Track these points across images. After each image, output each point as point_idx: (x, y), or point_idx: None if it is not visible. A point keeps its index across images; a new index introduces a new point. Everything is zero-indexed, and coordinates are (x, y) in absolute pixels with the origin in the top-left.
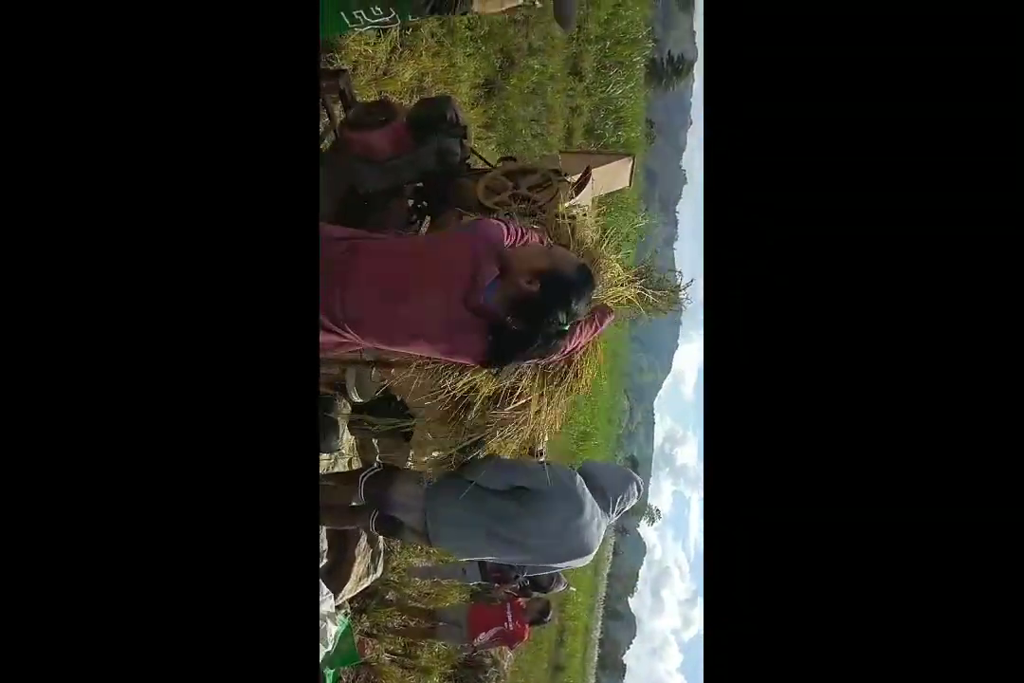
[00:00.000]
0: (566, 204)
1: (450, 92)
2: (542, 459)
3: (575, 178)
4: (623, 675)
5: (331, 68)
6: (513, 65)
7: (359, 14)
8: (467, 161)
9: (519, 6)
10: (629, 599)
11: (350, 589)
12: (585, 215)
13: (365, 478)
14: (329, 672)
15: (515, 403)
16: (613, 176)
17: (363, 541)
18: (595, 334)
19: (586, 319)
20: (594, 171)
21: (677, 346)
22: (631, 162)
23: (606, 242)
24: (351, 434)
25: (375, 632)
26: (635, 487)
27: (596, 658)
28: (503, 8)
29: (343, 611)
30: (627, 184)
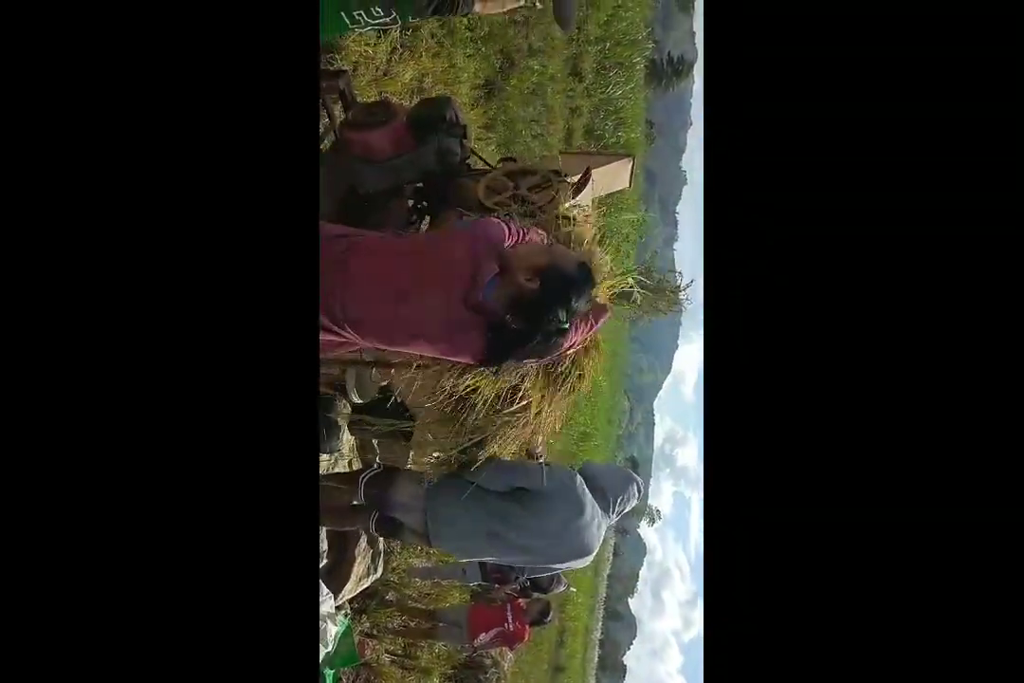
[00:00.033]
0: (566, 204)
1: (450, 93)
2: (542, 460)
3: (575, 179)
4: (623, 676)
5: (331, 68)
6: (513, 66)
7: (359, 15)
8: (467, 161)
9: (520, 7)
10: (629, 600)
11: (350, 590)
12: (586, 216)
13: (365, 479)
14: (329, 672)
15: (517, 404)
16: (613, 177)
17: (363, 542)
18: (590, 332)
19: (581, 317)
20: (594, 172)
21: (677, 346)
22: (631, 163)
23: (606, 243)
24: (351, 434)
25: (375, 633)
26: (635, 488)
27: (596, 659)
28: (504, 9)
29: (343, 612)
30: (627, 185)
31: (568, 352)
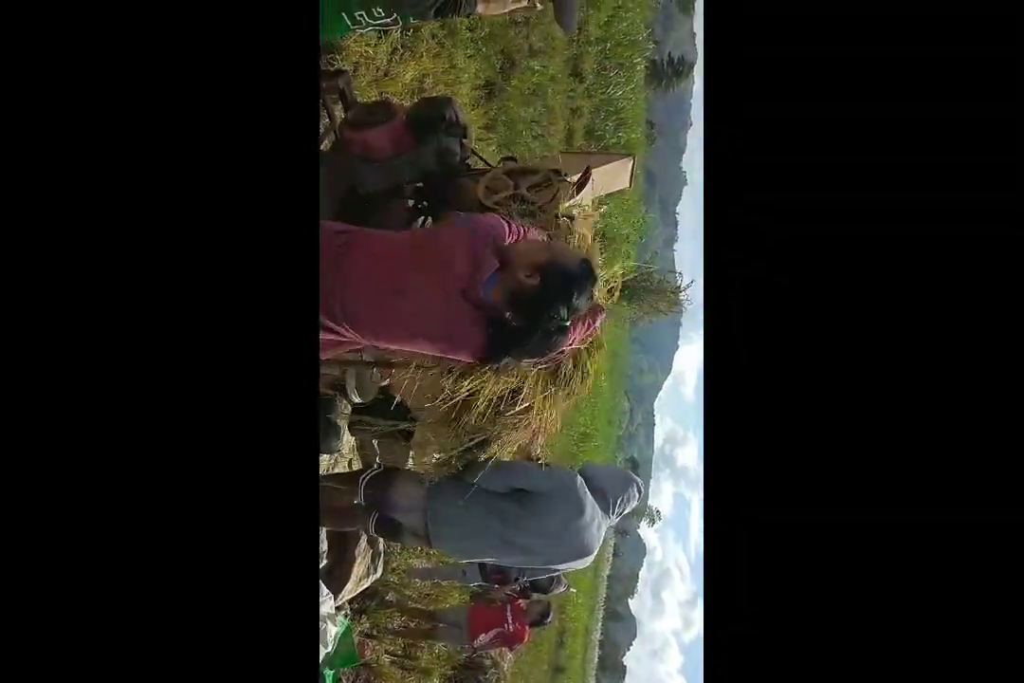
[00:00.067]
0: (567, 204)
1: (451, 93)
2: (542, 461)
3: (575, 178)
4: (623, 677)
5: (332, 69)
6: (514, 66)
7: (361, 15)
8: (467, 161)
9: (521, 8)
10: (629, 601)
11: (350, 590)
12: (586, 216)
13: (365, 479)
14: (329, 673)
15: (518, 406)
16: (613, 176)
17: (363, 542)
18: (588, 332)
19: (580, 318)
20: (594, 171)
21: (678, 347)
22: (631, 162)
23: (607, 244)
24: (351, 435)
25: (375, 633)
26: (635, 489)
27: (596, 660)
28: (507, 10)
29: (343, 612)
30: (627, 184)
31: (565, 352)
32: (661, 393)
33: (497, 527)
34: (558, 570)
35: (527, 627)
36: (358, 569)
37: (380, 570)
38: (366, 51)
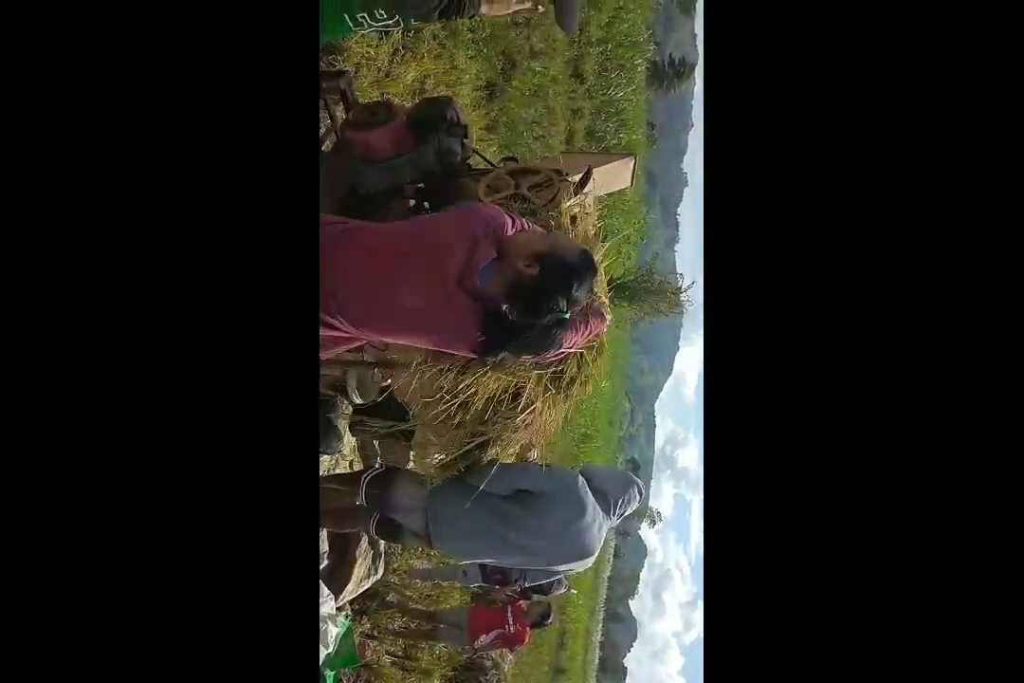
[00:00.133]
0: (567, 203)
1: (452, 94)
2: (543, 462)
3: (576, 178)
4: (624, 678)
5: (333, 69)
6: (515, 67)
7: (363, 17)
8: (468, 161)
9: (524, 9)
10: (630, 602)
11: (351, 591)
12: (587, 214)
13: (367, 479)
14: (329, 674)
15: (518, 406)
16: (615, 176)
17: (364, 543)
18: (590, 335)
19: (581, 320)
20: (596, 171)
21: (678, 348)
22: (632, 162)
23: (607, 243)
24: (352, 435)
25: (376, 634)
26: (636, 490)
27: (597, 661)
28: (510, 11)
29: (343, 613)
30: (628, 184)
31: (565, 353)
32: (662, 394)
33: (498, 528)
34: (559, 572)
35: (528, 628)
36: (359, 570)
37: (381, 571)
38: (367, 52)
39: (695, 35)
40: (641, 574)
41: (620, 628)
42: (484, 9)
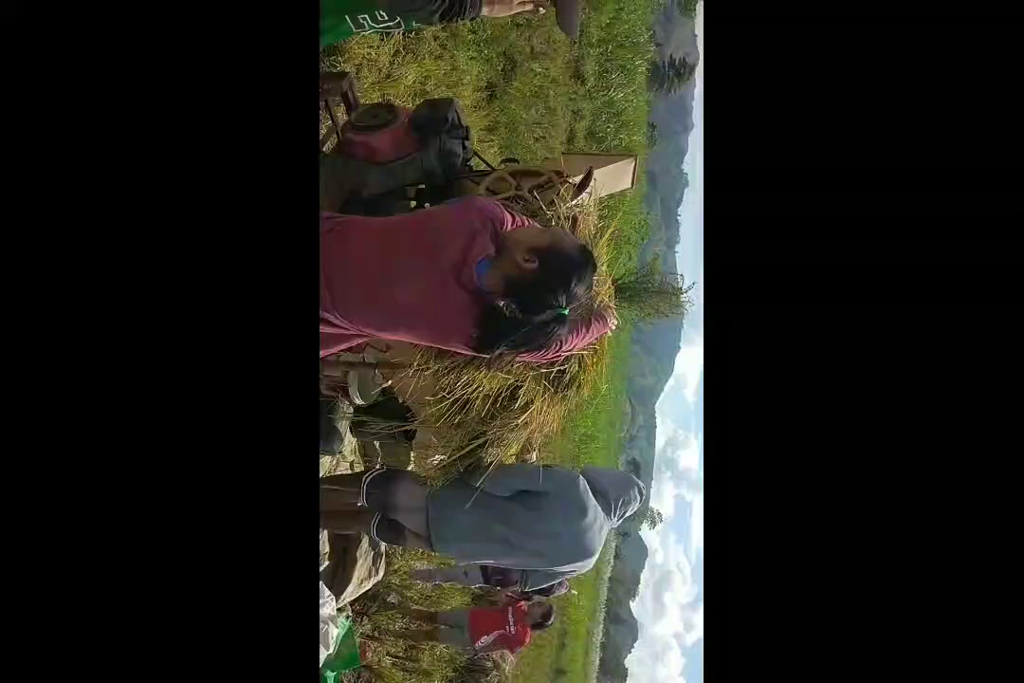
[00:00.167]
0: (569, 204)
1: (453, 95)
2: (544, 462)
3: (577, 179)
4: (625, 679)
5: (334, 71)
6: (515, 69)
7: (364, 19)
8: (469, 163)
9: (525, 11)
10: (631, 603)
11: (351, 592)
12: (587, 215)
13: (368, 480)
14: (330, 675)
15: (518, 406)
16: (616, 176)
17: (364, 544)
18: (591, 338)
19: (583, 322)
20: (597, 172)
21: (679, 349)
22: (633, 163)
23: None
24: (353, 436)
25: (376, 635)
26: (636, 491)
27: (598, 662)
28: (512, 12)
29: (344, 614)
30: (630, 185)
31: (564, 355)
32: (663, 395)
33: (499, 528)
34: (560, 573)
35: (528, 629)
36: (359, 571)
37: (382, 572)
38: (368, 53)
39: (695, 36)
40: (642, 575)
41: (621, 629)
42: (485, 11)
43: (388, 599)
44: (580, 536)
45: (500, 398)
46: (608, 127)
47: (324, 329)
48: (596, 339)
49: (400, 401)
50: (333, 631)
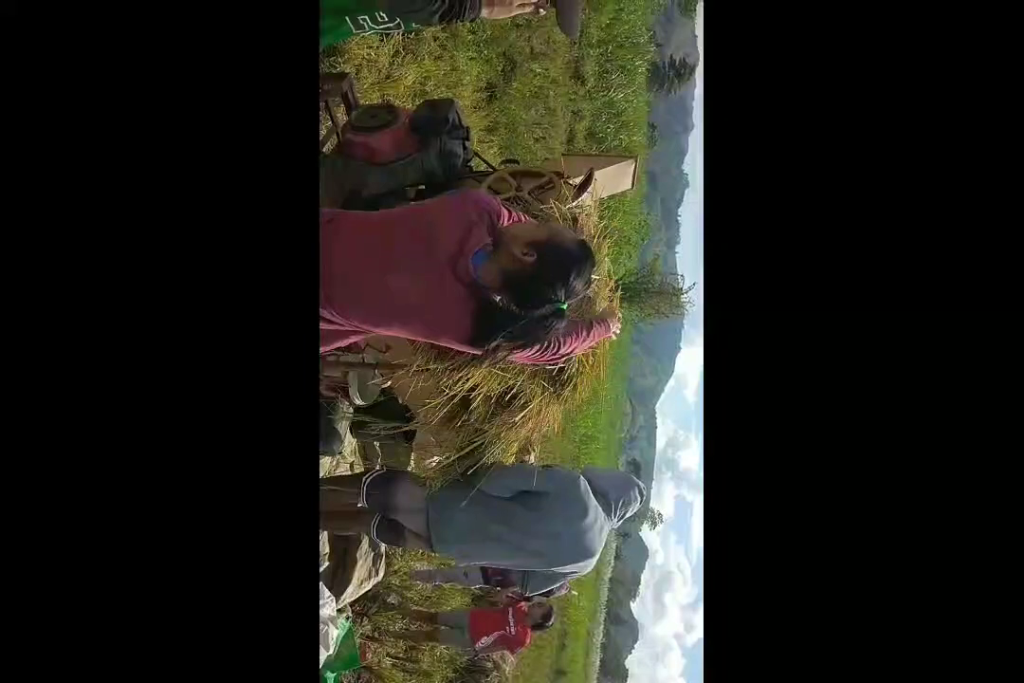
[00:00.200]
0: (568, 205)
1: (453, 96)
2: (545, 463)
3: (578, 180)
4: (625, 680)
5: (334, 72)
6: (515, 69)
7: (364, 20)
8: (469, 163)
9: (525, 12)
10: (631, 604)
11: (351, 592)
12: (588, 215)
13: (368, 481)
14: (330, 676)
15: (517, 406)
16: (616, 178)
17: (364, 544)
18: (592, 343)
19: (584, 325)
20: (597, 173)
21: (679, 349)
22: (634, 164)
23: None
24: (353, 437)
25: (376, 636)
26: (636, 491)
27: (598, 663)
28: (511, 15)
29: (344, 615)
30: (630, 186)
31: (564, 358)
32: (663, 395)
33: (499, 529)
34: (562, 574)
35: (529, 630)
36: (360, 572)
37: (382, 573)
38: (368, 54)
39: (696, 36)
40: (642, 576)
41: (621, 630)
42: (484, 13)
43: (388, 600)
44: (580, 536)
45: (500, 399)
46: (608, 127)
47: (321, 326)
48: (596, 342)
49: (400, 402)
50: (333, 632)
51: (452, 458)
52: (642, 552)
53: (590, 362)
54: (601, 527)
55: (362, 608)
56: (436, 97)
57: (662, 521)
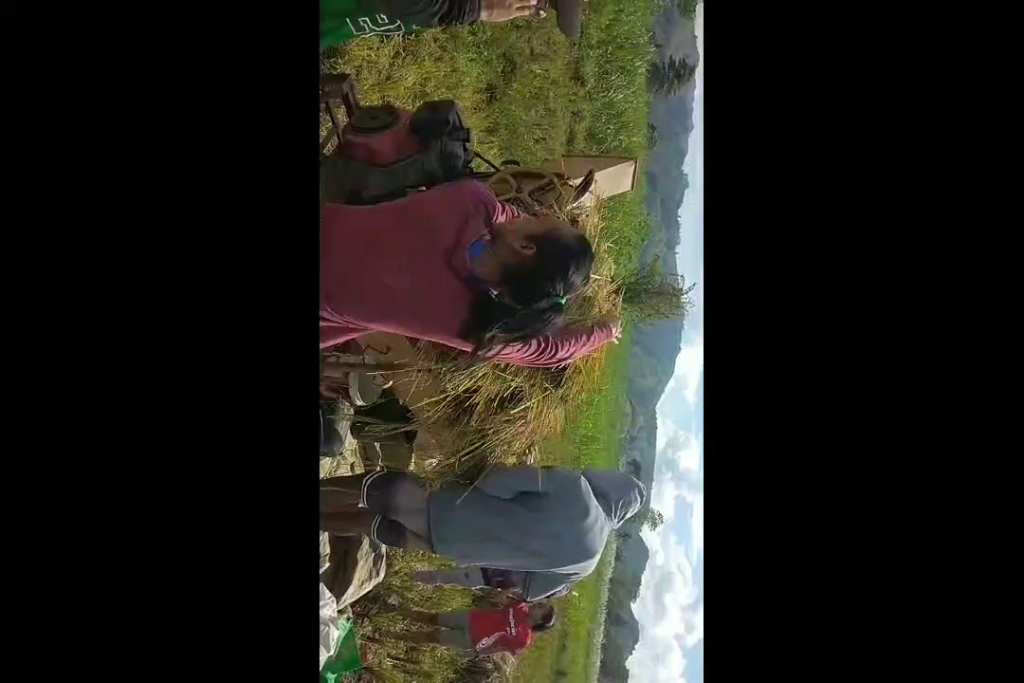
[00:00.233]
0: (568, 207)
1: (453, 97)
2: (545, 463)
3: (578, 181)
4: (626, 680)
5: (335, 73)
6: (515, 70)
7: (364, 22)
8: (470, 164)
9: (526, 14)
10: (632, 604)
11: (352, 593)
12: (587, 217)
13: (368, 482)
14: (331, 677)
15: (517, 407)
16: (616, 179)
17: (365, 545)
18: (592, 347)
19: (585, 331)
20: (597, 174)
21: (679, 350)
22: (634, 165)
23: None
24: (354, 438)
25: (377, 636)
26: (637, 492)
27: (599, 664)
28: (511, 17)
29: (345, 616)
30: (630, 187)
31: (562, 360)
32: (663, 396)
33: (500, 529)
34: (563, 576)
35: (529, 631)
36: (360, 572)
37: (382, 574)
38: (368, 55)
39: (695, 37)
40: (643, 576)
41: (622, 631)
42: (484, 15)
43: (389, 601)
44: (581, 537)
45: (500, 400)
46: (608, 128)
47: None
48: (596, 347)
49: (400, 403)
50: (334, 633)
51: (453, 459)
52: (642, 553)
53: (585, 366)
54: (602, 528)
55: (363, 609)
56: (436, 98)
57: (662, 522)
